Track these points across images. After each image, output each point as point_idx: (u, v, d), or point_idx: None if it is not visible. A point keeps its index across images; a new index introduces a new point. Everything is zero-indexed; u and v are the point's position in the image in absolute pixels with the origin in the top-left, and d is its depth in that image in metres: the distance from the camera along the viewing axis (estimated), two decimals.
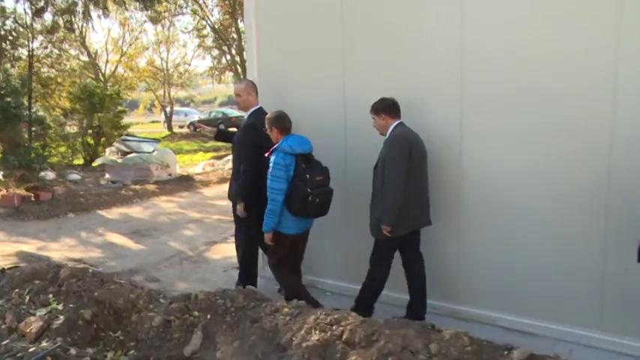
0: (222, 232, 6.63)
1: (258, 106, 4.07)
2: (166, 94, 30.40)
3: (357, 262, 3.90)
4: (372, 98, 3.54)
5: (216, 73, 24.85)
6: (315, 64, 4.09)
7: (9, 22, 14.31)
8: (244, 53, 17.99)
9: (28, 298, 3.25)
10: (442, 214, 3.64)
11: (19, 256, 5.40)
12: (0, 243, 6.03)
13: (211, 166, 12.67)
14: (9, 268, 4.21)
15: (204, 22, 21.49)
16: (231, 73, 22.89)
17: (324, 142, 3.97)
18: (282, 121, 3.61)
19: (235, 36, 18.92)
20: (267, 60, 4.37)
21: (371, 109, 3.52)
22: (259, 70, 4.42)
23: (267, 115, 3.68)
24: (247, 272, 4.09)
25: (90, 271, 3.54)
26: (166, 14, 20.64)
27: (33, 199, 8.25)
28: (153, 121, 40.20)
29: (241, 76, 17.70)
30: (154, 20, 19.71)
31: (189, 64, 24.67)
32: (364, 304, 3.55)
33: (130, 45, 25.91)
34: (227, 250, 5.69)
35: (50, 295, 3.28)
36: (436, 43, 3.56)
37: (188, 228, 6.85)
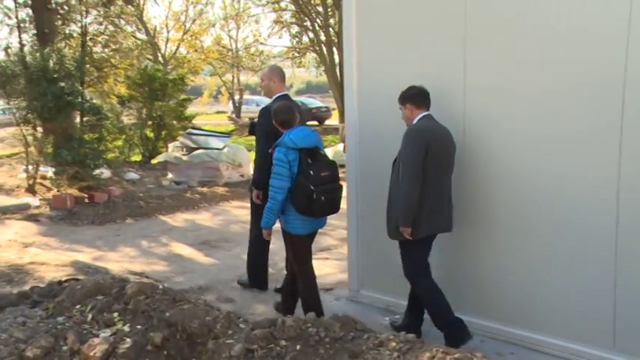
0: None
1: (282, 93, 4.82)
2: (235, 80, 31.63)
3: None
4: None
5: (296, 54, 25.34)
6: (429, 54, 4.11)
7: None
8: (330, 30, 18.15)
9: (90, 316, 3.42)
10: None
11: (75, 266, 5.76)
12: (53, 250, 6.49)
13: None
14: (65, 280, 4.50)
15: None
16: (314, 55, 23.20)
17: None
18: (284, 114, 4.00)
19: (320, 9, 19.13)
20: (368, 45, 4.44)
21: (398, 98, 3.91)
22: (359, 57, 4.50)
23: (272, 108, 4.16)
24: (256, 273, 4.93)
25: (160, 287, 3.65)
26: None
27: (87, 200, 8.85)
28: (218, 112, 42.00)
29: (326, 59, 17.82)
30: None
31: (265, 43, 25.34)
32: (441, 322, 3.82)
33: (194, 21, 27.23)
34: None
35: (115, 314, 3.43)
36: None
37: None
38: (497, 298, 3.99)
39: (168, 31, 27.15)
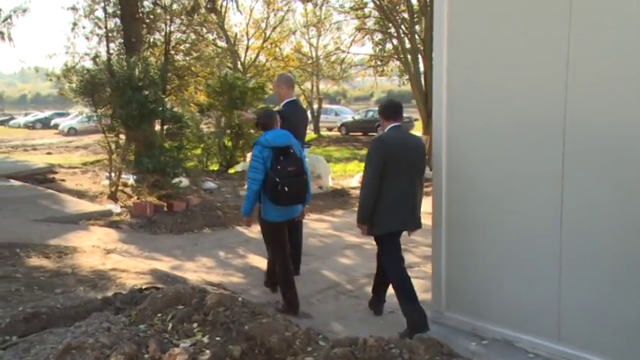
0: None
1: (291, 99, 5.81)
2: (314, 89, 32.08)
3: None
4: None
5: (378, 62, 25.38)
6: (527, 61, 4.01)
7: (147, 3, 16.37)
8: (416, 37, 18.02)
9: (171, 325, 3.56)
10: None
11: (154, 274, 6.01)
12: (133, 258, 6.80)
13: None
14: (146, 288, 4.72)
15: None
16: (397, 63, 23.15)
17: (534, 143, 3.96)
18: (263, 118, 5.03)
19: (406, 15, 19.09)
20: (461, 47, 4.40)
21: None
22: (449, 57, 4.47)
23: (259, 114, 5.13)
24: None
25: (239, 299, 3.76)
26: None
27: (166, 209, 9.22)
28: None
29: (411, 67, 17.71)
30: None
31: (347, 51, 25.55)
32: (408, 309, 4.49)
33: (274, 28, 27.90)
34: None
35: (195, 325, 3.56)
36: None
37: (345, 255, 7.04)
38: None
39: (248, 39, 27.95)
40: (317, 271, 6.31)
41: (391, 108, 4.65)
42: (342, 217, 9.46)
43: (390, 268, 4.67)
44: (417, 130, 25.91)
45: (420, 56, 17.61)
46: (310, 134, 31.83)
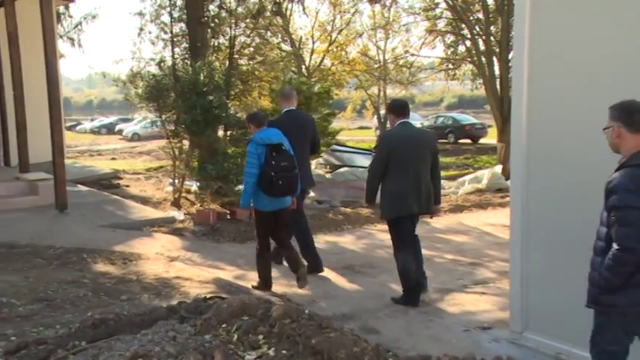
0: (460, 277, 6.58)
1: (288, 108, 6.62)
2: (381, 93, 31.92)
3: None
4: None
5: (449, 66, 25.07)
6: (622, 54, 3.87)
7: (212, 7, 16.77)
8: (492, 38, 17.69)
9: (236, 336, 3.62)
10: None
11: (217, 284, 6.13)
12: (196, 266, 6.96)
13: None
14: (210, 298, 4.82)
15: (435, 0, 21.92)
16: (470, 67, 22.80)
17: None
18: (255, 118, 5.78)
19: (481, 16, 18.77)
20: (543, 49, 4.30)
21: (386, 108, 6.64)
22: (530, 60, 4.36)
23: (248, 113, 6.15)
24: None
25: (306, 312, 3.78)
26: None
27: (229, 216, 9.39)
28: (361, 127, 42.72)
29: (485, 70, 17.40)
30: None
31: (416, 54, 25.36)
32: (405, 284, 5.57)
33: (341, 31, 28.02)
34: (467, 303, 5.71)
35: (260, 336, 3.60)
36: None
37: None
38: None
39: (313, 42, 28.20)
40: (384, 284, 6.27)
41: (401, 106, 5.66)
42: None
43: (396, 250, 5.63)
44: (491, 138, 25.45)
45: (495, 59, 17.27)
46: (375, 141, 31.77)
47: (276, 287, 6.13)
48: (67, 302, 5.10)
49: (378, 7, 26.50)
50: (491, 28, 18.00)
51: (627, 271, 2.91)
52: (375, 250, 7.85)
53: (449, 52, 24.32)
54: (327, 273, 6.72)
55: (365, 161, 11.50)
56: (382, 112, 32.99)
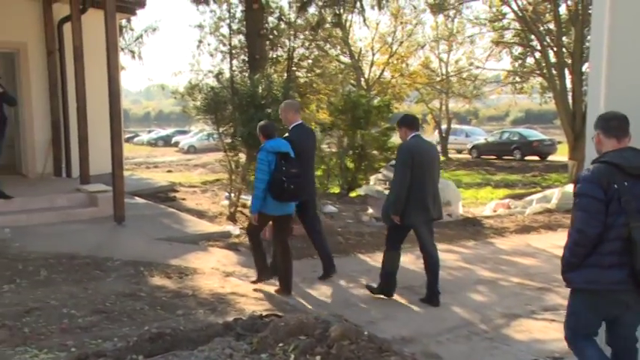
0: (527, 302, 6.43)
1: (297, 123, 6.91)
2: (443, 107, 31.71)
3: None
4: None
5: (517, 79, 24.68)
6: None
7: (271, 19, 17.13)
8: (563, 50, 17.35)
9: (293, 356, 3.65)
10: None
11: (273, 301, 6.19)
12: (253, 283, 7.03)
13: (506, 207, 12.47)
14: (266, 315, 4.87)
15: (502, 10, 21.63)
16: (539, 80, 22.39)
17: None
18: (266, 129, 6.30)
19: (552, 26, 18.41)
20: (624, 61, 4.16)
21: (397, 122, 6.47)
22: (609, 73, 4.23)
23: (259, 124, 6.48)
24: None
25: (365, 333, 3.77)
26: (452, 0, 21.58)
27: None
28: None
29: (555, 83, 17.05)
30: (437, 9, 20.85)
31: (482, 67, 25.10)
32: (383, 275, 6.45)
33: (401, 43, 28.02)
34: (535, 330, 5.59)
35: (318, 357, 3.62)
36: None
37: (477, 291, 6.88)
38: None
39: (373, 54, 28.26)
40: (446, 307, 6.19)
41: (413, 121, 6.33)
42: (474, 248, 9.23)
43: (390, 250, 6.38)
44: (561, 155, 24.86)
45: (567, 71, 16.92)
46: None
47: (333, 307, 6.14)
48: (124, 315, 5.25)
49: (441, 18, 26.39)
50: (564, 38, 17.64)
51: (581, 252, 3.50)
52: None
53: (516, 65, 23.96)
54: None
55: None
56: (444, 126, 32.80)
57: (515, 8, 19.22)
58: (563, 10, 17.70)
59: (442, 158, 29.60)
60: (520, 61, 23.36)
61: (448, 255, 8.66)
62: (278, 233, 6.55)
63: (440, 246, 9.19)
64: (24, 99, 10.41)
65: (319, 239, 7.25)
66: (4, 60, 11.02)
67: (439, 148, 32.83)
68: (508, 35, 22.86)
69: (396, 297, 6.58)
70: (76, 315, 5.18)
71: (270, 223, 6.56)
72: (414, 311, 6.12)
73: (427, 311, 6.08)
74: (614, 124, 3.60)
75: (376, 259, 8.37)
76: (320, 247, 7.27)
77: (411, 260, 8.40)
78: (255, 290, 6.51)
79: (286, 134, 6.84)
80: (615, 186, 3.39)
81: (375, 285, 6.54)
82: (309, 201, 7.07)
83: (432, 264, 6.32)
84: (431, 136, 38.35)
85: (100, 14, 9.41)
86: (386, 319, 5.79)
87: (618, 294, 3.49)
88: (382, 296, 6.55)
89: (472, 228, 10.48)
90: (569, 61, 16.75)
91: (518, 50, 22.89)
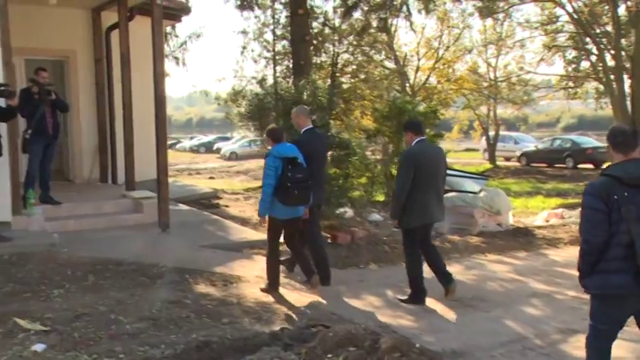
0: (584, 316, 6.14)
1: (308, 127, 7.17)
2: (491, 113, 31.29)
3: None
4: None
5: (570, 83, 24.17)
6: None
7: (316, 24, 17.19)
8: (622, 53, 16.95)
9: None
10: None
11: (319, 310, 6.15)
12: (296, 291, 7.04)
13: (559, 217, 12.24)
14: (313, 325, 4.88)
15: (555, 12, 21.25)
16: (594, 84, 21.90)
17: None
18: (274, 133, 6.62)
19: (609, 29, 17.99)
20: None
21: (403, 126, 7.09)
22: None
23: (267, 128, 6.93)
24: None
25: (417, 346, 3.75)
26: (502, 3, 21.28)
27: (329, 240, 9.45)
28: (467, 149, 41.99)
29: (613, 88, 16.65)
30: (486, 12, 20.60)
31: (533, 72, 24.66)
32: (413, 285, 6.66)
33: (448, 47, 27.78)
34: None
35: None
36: None
37: (531, 304, 6.76)
38: None
39: (418, 59, 28.10)
40: (498, 321, 6.10)
41: (418, 126, 6.73)
42: (526, 259, 9.09)
43: (410, 257, 6.69)
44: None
45: (625, 75, 16.51)
46: (485, 164, 31.08)
47: (381, 318, 6.12)
48: (171, 322, 5.32)
49: (489, 22, 26.08)
50: (622, 41, 17.24)
51: (590, 260, 3.82)
52: (486, 282, 7.66)
53: (570, 69, 23.49)
54: (433, 305, 6.63)
55: (476, 186, 11.30)
56: (491, 133, 32.38)
57: (571, 10, 18.87)
58: (622, 11, 17.28)
59: (489, 166, 29.32)
60: (574, 65, 22.88)
61: (499, 266, 8.55)
62: (289, 238, 6.81)
63: (490, 256, 9.18)
64: (72, 106, 10.64)
65: (313, 248, 7.34)
66: (54, 67, 11.32)
67: (486, 155, 32.51)
68: (561, 38, 22.45)
69: (444, 308, 6.52)
70: (123, 321, 5.28)
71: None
72: (463, 323, 6.04)
73: (478, 324, 5.99)
74: (619, 139, 3.83)
75: (424, 270, 8.32)
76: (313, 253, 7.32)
77: (459, 271, 8.33)
78: (300, 298, 6.53)
79: (297, 138, 7.19)
80: (615, 197, 3.66)
81: (404, 297, 6.74)
82: (313, 206, 7.09)
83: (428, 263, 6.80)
84: (478, 143, 37.99)
85: (146, 21, 9.60)
86: (435, 332, 5.72)
87: (625, 298, 3.79)
88: (423, 305, 6.57)
89: (523, 238, 10.32)
90: (628, 65, 16.33)
91: (572, 54, 22.45)
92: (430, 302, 6.73)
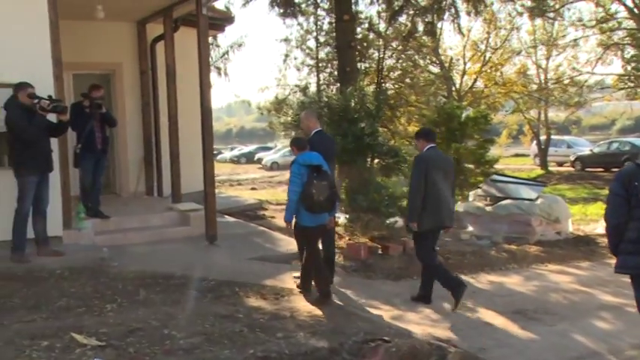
0: None
1: (317, 129, 7.53)
2: (542, 117, 30.72)
3: None
4: None
5: (629, 83, 23.58)
6: None
7: (360, 30, 17.16)
8: None
9: None
10: None
11: (375, 324, 6.08)
12: (350, 304, 7.00)
13: None
14: (372, 340, 4.81)
15: (612, 9, 20.76)
16: None
17: None
18: (299, 142, 6.89)
19: None
20: None
21: (415, 134, 7.70)
22: None
23: (292, 138, 7.63)
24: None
25: None
26: (553, 2, 20.90)
27: (380, 251, 9.38)
28: (516, 154, 41.33)
29: None
30: (538, 12, 20.25)
31: (590, 72, 24.06)
32: (448, 285, 6.81)
33: (495, 50, 27.43)
34: None
35: None
36: None
37: (600, 317, 6.60)
38: None
39: (464, 63, 27.80)
40: (566, 334, 5.95)
41: (430, 133, 7.15)
42: (590, 269, 8.88)
43: (429, 260, 6.94)
44: None
45: None
46: (536, 170, 30.52)
47: (439, 331, 6.02)
48: (224, 337, 5.31)
49: (538, 22, 25.65)
50: None
51: (611, 240, 4.29)
52: (548, 294, 7.49)
53: (629, 68, 22.90)
54: (494, 318, 6.51)
55: (532, 193, 11.11)
56: (542, 137, 31.79)
57: (631, 5, 18.33)
58: None
59: (541, 172, 28.73)
60: (634, 64, 22.27)
61: (561, 277, 8.37)
62: (311, 245, 6.90)
63: (551, 267, 9.00)
64: (118, 118, 10.82)
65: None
66: (100, 81, 11.50)
67: (537, 160, 31.93)
68: (614, 37, 21.91)
69: (506, 322, 6.39)
70: (176, 336, 5.29)
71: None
72: (529, 338, 5.90)
73: (544, 338, 5.86)
74: None
75: (480, 280, 8.21)
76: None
77: (518, 282, 8.20)
78: (354, 311, 6.48)
79: (307, 138, 7.42)
80: (636, 183, 4.02)
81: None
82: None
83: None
84: (528, 147, 37.36)
85: (191, 32, 9.72)
86: (499, 346, 5.61)
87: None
88: (492, 323, 6.38)
89: (585, 247, 10.10)
90: None
91: (630, 52, 21.87)
92: (490, 315, 6.62)
